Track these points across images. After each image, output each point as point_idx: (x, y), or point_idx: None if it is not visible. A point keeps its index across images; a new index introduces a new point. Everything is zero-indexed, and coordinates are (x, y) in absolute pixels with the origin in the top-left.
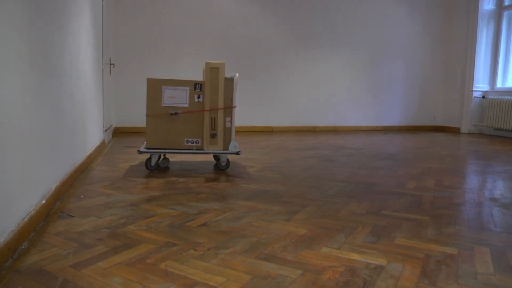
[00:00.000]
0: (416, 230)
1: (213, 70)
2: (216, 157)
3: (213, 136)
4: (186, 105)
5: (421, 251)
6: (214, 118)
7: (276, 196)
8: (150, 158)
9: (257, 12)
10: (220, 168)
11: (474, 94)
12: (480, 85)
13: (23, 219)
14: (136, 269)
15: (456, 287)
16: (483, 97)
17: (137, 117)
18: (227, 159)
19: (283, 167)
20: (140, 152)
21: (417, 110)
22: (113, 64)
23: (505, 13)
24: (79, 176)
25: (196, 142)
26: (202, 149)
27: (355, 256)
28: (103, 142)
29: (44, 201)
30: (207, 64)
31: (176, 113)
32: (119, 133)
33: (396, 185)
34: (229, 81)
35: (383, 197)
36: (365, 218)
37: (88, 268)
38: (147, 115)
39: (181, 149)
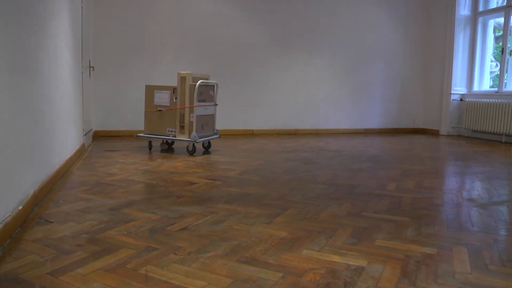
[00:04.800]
0: (396, 231)
1: (182, 79)
2: (204, 145)
3: (182, 127)
4: (168, 104)
5: (401, 251)
6: (183, 114)
7: (257, 199)
8: (150, 142)
9: (238, 15)
10: (188, 152)
11: (452, 97)
12: (458, 88)
13: None
14: (116, 274)
15: (435, 286)
16: (461, 99)
17: (117, 121)
18: (193, 145)
19: (264, 170)
20: (137, 136)
21: (397, 113)
22: (92, 67)
23: (480, 19)
24: (58, 180)
25: (173, 131)
26: (175, 137)
27: (335, 258)
28: (82, 146)
29: (21, 207)
30: (178, 74)
31: (160, 110)
32: (99, 136)
33: (376, 187)
34: (193, 87)
35: (363, 198)
36: (346, 220)
37: (66, 275)
38: (145, 111)
39: (164, 136)
